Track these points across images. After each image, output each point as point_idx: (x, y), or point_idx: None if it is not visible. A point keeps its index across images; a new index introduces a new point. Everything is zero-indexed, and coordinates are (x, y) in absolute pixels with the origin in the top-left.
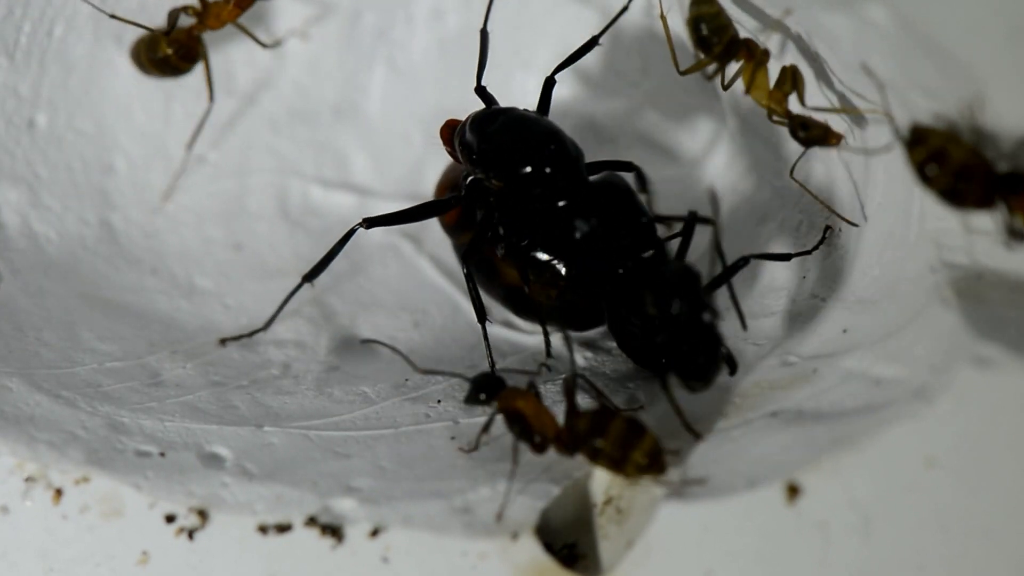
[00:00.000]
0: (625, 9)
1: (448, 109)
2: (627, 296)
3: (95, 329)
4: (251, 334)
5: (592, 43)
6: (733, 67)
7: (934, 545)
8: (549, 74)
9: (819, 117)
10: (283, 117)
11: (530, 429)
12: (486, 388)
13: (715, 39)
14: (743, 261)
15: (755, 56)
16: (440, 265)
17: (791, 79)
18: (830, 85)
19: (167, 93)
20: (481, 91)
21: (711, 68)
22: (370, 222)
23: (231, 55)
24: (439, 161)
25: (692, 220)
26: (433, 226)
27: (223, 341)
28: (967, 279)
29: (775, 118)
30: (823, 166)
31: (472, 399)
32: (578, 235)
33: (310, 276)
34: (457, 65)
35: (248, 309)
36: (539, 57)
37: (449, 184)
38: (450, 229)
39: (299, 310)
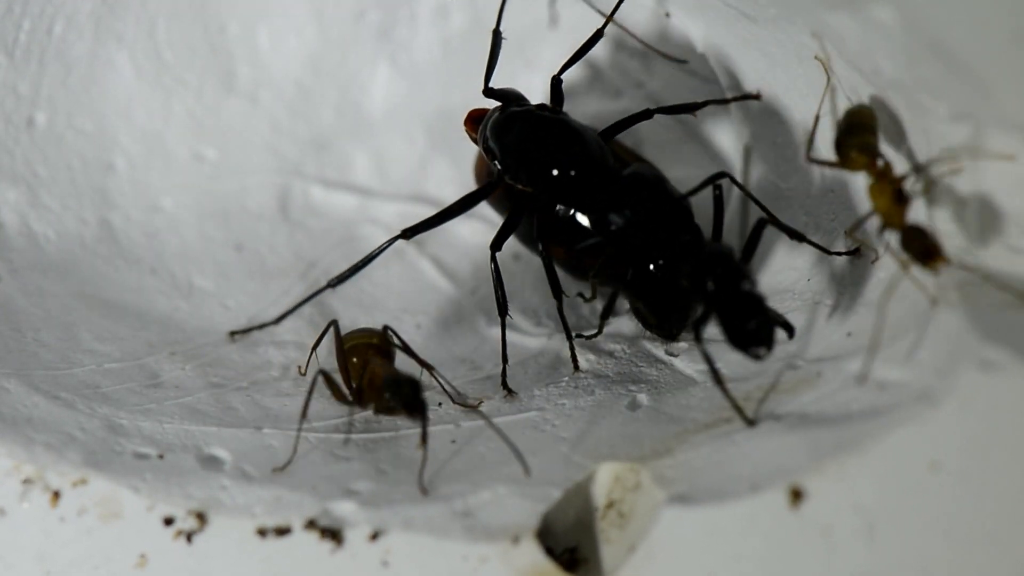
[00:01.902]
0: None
1: (451, 109)
2: (669, 282)
3: (94, 330)
4: (261, 327)
5: (596, 37)
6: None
7: (939, 549)
8: (555, 74)
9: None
10: (284, 116)
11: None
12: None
13: (858, 156)
14: (761, 224)
15: (889, 179)
16: (442, 267)
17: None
18: None
19: (167, 91)
20: (490, 92)
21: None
22: (409, 232)
23: (232, 53)
24: (442, 161)
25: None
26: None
27: (232, 334)
28: (972, 282)
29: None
30: (830, 169)
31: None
32: (614, 229)
33: (336, 282)
34: (461, 64)
35: (248, 310)
36: (543, 56)
37: (486, 166)
38: (498, 204)
39: (300, 311)
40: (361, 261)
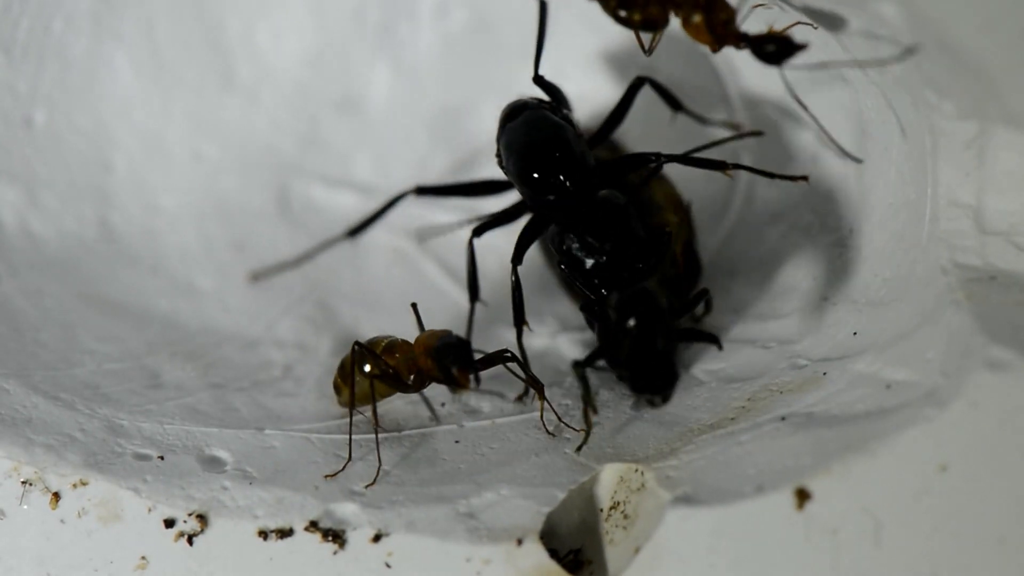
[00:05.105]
0: None
1: (452, 106)
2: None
3: (93, 330)
4: (279, 268)
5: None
6: None
7: (946, 552)
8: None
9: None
10: (284, 114)
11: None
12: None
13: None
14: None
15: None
16: (443, 266)
17: None
18: None
19: (166, 90)
20: (539, 81)
21: None
22: (422, 190)
23: (232, 51)
24: (442, 159)
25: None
26: (436, 226)
27: (255, 276)
28: (979, 281)
29: None
30: (835, 166)
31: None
32: (566, 248)
33: (352, 232)
34: (462, 62)
35: (248, 309)
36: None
37: None
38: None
39: (300, 312)
40: (376, 211)
